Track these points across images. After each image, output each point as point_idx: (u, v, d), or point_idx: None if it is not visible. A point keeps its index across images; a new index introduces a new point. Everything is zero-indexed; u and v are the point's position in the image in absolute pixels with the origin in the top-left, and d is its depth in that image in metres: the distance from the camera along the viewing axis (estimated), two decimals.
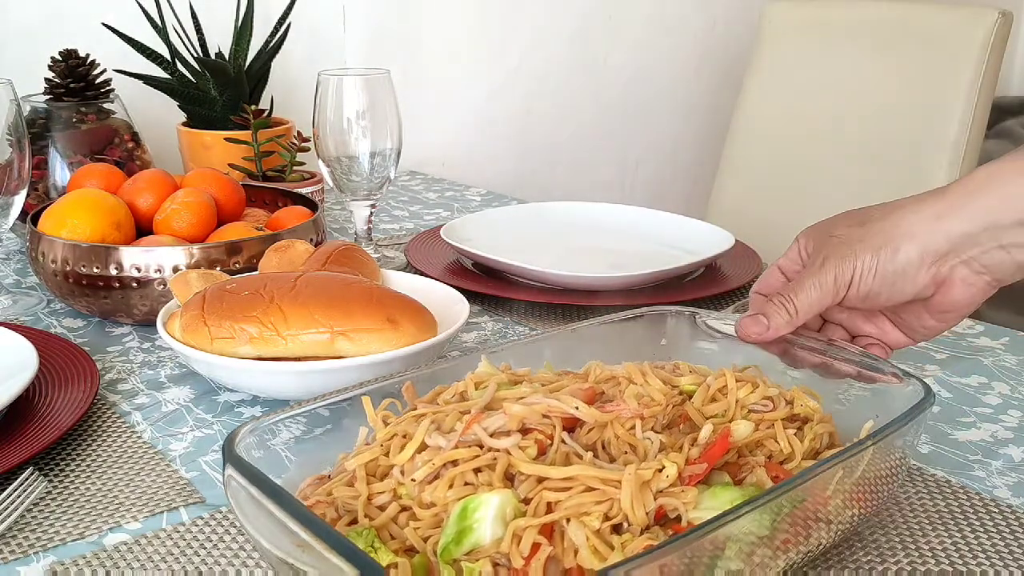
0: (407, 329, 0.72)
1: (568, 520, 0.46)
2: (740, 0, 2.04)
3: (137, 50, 1.24)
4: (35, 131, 1.10)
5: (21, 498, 0.60)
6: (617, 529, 0.46)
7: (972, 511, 0.60)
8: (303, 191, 1.10)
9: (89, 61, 1.15)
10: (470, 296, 0.86)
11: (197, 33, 1.28)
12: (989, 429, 0.72)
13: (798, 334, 0.63)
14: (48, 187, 1.11)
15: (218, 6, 1.32)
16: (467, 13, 1.73)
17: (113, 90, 1.17)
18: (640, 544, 0.45)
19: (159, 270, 0.85)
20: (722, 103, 1.99)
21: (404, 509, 0.50)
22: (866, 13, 1.60)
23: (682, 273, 1.00)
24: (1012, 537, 0.58)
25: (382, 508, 0.50)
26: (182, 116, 1.31)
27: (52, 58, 1.14)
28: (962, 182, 0.60)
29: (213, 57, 1.28)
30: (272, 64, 1.30)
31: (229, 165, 1.21)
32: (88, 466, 0.65)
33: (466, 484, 0.49)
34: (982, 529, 0.59)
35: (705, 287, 0.98)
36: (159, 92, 1.26)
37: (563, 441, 0.51)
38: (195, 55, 1.26)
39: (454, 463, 0.50)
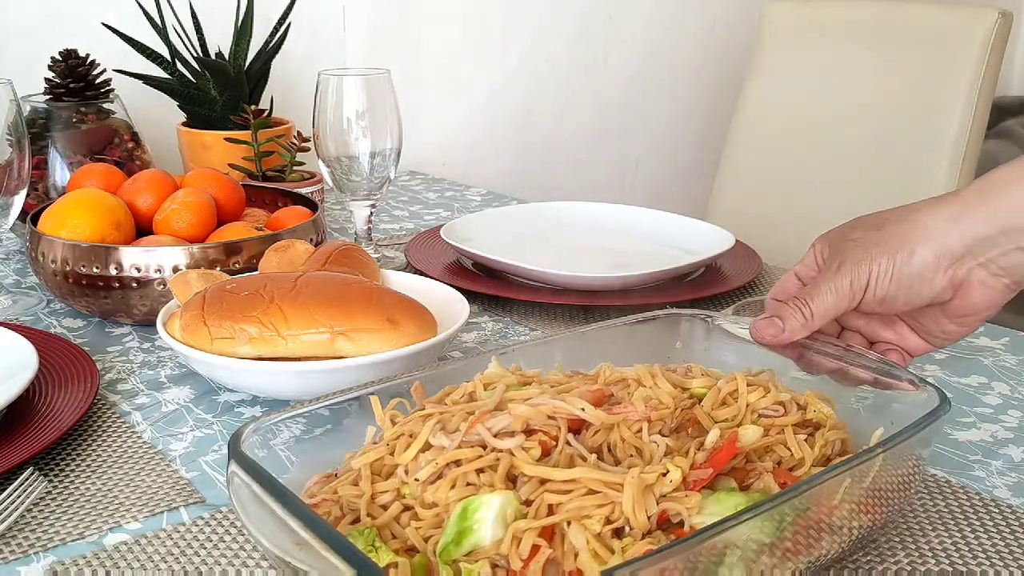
0: (407, 329, 0.72)
1: (569, 523, 0.46)
2: (740, 0, 2.04)
3: (137, 50, 1.24)
4: (35, 131, 1.10)
5: (21, 498, 0.60)
6: (619, 533, 0.46)
7: (972, 511, 0.60)
8: (303, 191, 1.10)
9: (89, 61, 1.15)
10: (470, 296, 0.86)
11: (197, 33, 1.28)
12: (989, 429, 0.72)
13: (814, 339, 0.63)
14: (48, 187, 1.11)
15: (218, 6, 1.32)
16: (467, 13, 1.73)
17: (113, 90, 1.16)
18: (641, 548, 0.45)
19: (159, 270, 0.85)
20: (722, 103, 1.99)
21: (407, 509, 0.50)
22: (866, 13, 1.60)
23: (682, 273, 1.00)
24: (1012, 537, 0.58)
25: (385, 507, 0.50)
26: (182, 116, 1.31)
27: (52, 58, 1.14)
28: (977, 184, 0.59)
29: (213, 57, 1.28)
30: (272, 64, 1.30)
31: (229, 165, 1.21)
32: (88, 466, 0.65)
33: (468, 484, 0.49)
34: (982, 529, 0.59)
35: (705, 287, 0.98)
36: (159, 92, 1.26)
37: (568, 443, 0.51)
38: (195, 55, 1.26)
39: (457, 463, 0.50)
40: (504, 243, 1.07)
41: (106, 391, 0.77)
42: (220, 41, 1.29)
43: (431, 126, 1.73)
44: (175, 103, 1.28)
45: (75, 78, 1.13)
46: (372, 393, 0.56)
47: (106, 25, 1.22)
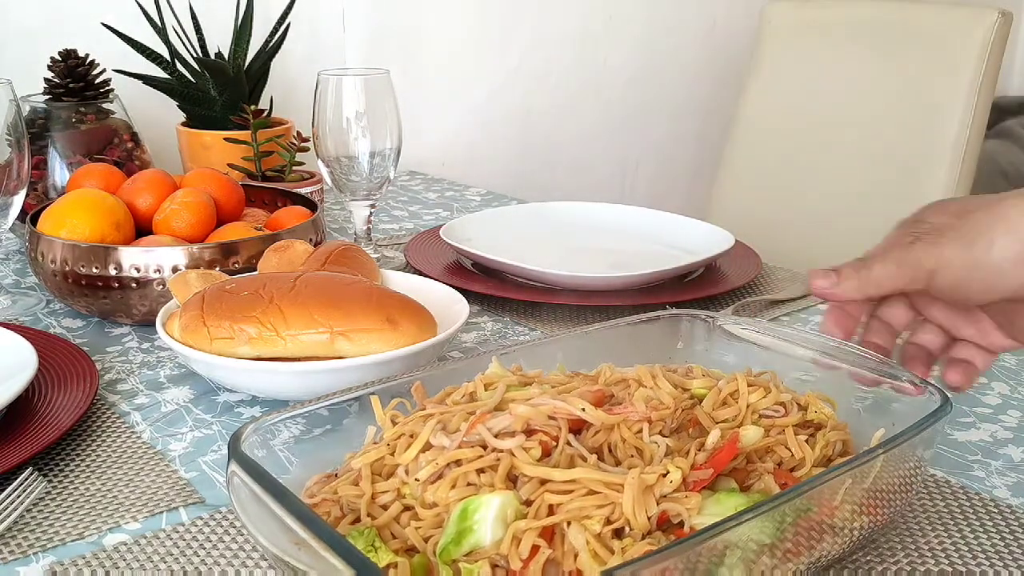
0: (407, 329, 0.72)
1: (569, 523, 0.46)
2: (740, 0, 2.04)
3: (136, 50, 1.24)
4: (34, 131, 1.10)
5: (20, 498, 0.60)
6: (619, 533, 0.46)
7: (972, 511, 0.60)
8: (302, 191, 1.10)
9: (88, 61, 1.15)
10: (470, 296, 0.86)
11: (197, 33, 1.27)
12: (989, 429, 0.72)
13: (875, 328, 0.61)
14: (47, 187, 1.11)
15: (218, 6, 1.32)
16: (467, 13, 1.73)
17: (112, 90, 1.16)
18: (640, 549, 0.45)
19: (158, 270, 0.85)
20: (722, 103, 1.99)
21: (407, 509, 0.50)
22: (866, 13, 1.60)
23: (682, 273, 1.00)
24: (1012, 537, 0.58)
25: (385, 507, 0.50)
26: (181, 116, 1.31)
27: (51, 58, 1.14)
28: None
29: (213, 57, 1.28)
30: (272, 64, 1.30)
31: (228, 165, 1.21)
32: (88, 466, 0.65)
33: (468, 484, 0.49)
34: (982, 529, 0.59)
35: (705, 287, 0.98)
36: (158, 92, 1.26)
37: (568, 443, 0.51)
38: (194, 55, 1.26)
39: (457, 463, 0.50)
40: (504, 243, 1.07)
41: (105, 391, 0.77)
42: (220, 41, 1.29)
43: (431, 126, 1.73)
44: (175, 103, 1.28)
45: (75, 78, 1.13)
46: (372, 393, 0.56)
47: (106, 25, 1.22)
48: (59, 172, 1.11)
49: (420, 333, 0.73)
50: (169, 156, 1.31)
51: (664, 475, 0.48)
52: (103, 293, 0.86)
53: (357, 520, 0.50)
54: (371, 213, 1.09)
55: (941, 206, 0.61)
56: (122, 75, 1.21)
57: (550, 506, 0.47)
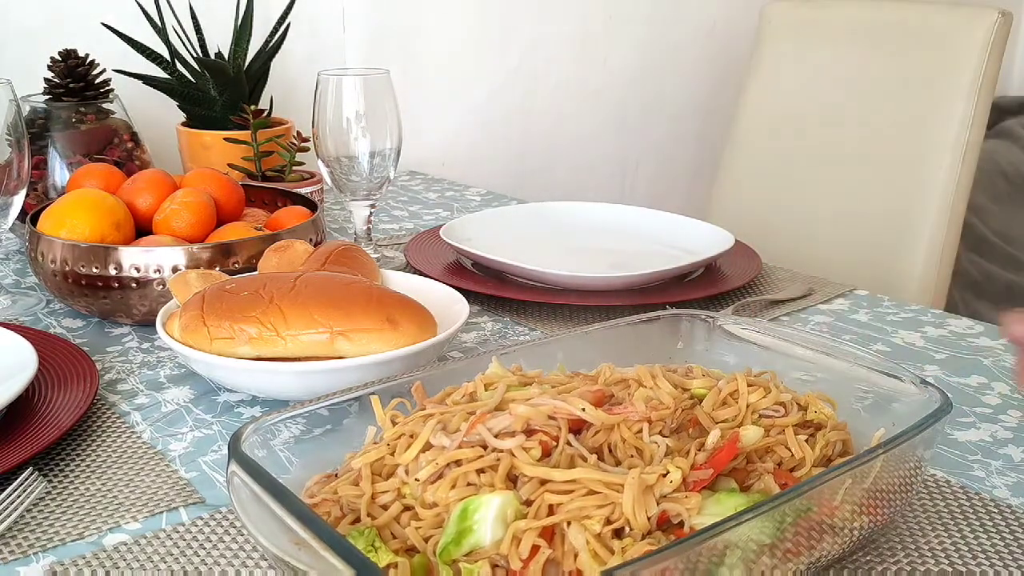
0: (407, 329, 0.72)
1: (569, 523, 0.46)
2: (740, 0, 2.04)
3: (137, 50, 1.24)
4: (34, 131, 1.10)
5: (21, 498, 0.60)
6: (619, 533, 0.46)
7: (972, 511, 0.60)
8: (302, 191, 1.10)
9: (88, 61, 1.15)
10: (470, 296, 0.86)
11: (197, 33, 1.27)
12: (989, 429, 0.72)
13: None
14: (47, 187, 1.11)
15: (218, 6, 1.32)
16: (467, 13, 1.73)
17: (112, 90, 1.16)
18: (640, 549, 0.45)
19: (158, 270, 0.85)
20: (722, 103, 1.99)
21: (407, 509, 0.50)
22: (866, 13, 1.60)
23: (682, 273, 1.00)
24: (1012, 537, 0.58)
25: (385, 507, 0.50)
26: (181, 116, 1.31)
27: (51, 58, 1.14)
28: None
29: (213, 57, 1.28)
30: (272, 64, 1.30)
31: (228, 165, 1.21)
32: (88, 466, 0.65)
33: (469, 484, 0.49)
34: (982, 529, 0.59)
35: (705, 287, 0.98)
36: (158, 92, 1.26)
37: (568, 443, 0.51)
38: (195, 55, 1.26)
39: (457, 463, 0.50)
40: (503, 243, 1.07)
41: (105, 391, 0.77)
42: (220, 41, 1.29)
43: (431, 126, 1.73)
44: (175, 103, 1.28)
45: (75, 78, 1.13)
46: (372, 393, 0.56)
47: (106, 25, 1.22)
48: (59, 172, 1.11)
49: (420, 333, 0.73)
50: (169, 156, 1.30)
51: (664, 475, 0.48)
52: (103, 293, 0.86)
53: (357, 520, 0.50)
54: (371, 213, 1.09)
55: None
56: (122, 75, 1.21)
57: (550, 506, 0.47)
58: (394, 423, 0.55)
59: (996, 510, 0.60)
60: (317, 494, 0.53)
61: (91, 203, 0.91)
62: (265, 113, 1.26)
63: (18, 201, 0.94)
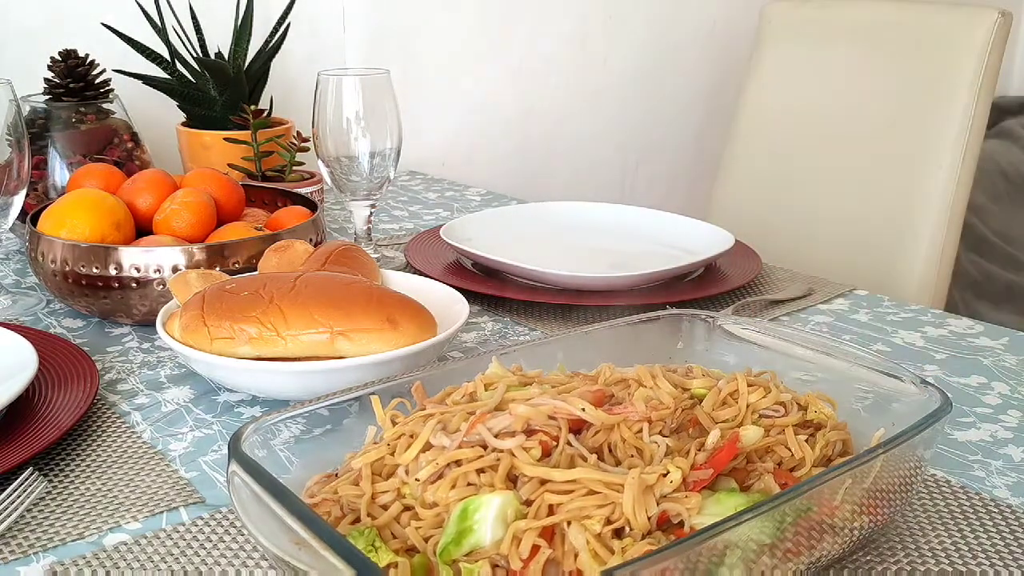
0: (407, 329, 0.72)
1: (569, 523, 0.46)
2: (740, 0, 2.04)
3: (137, 50, 1.24)
4: (34, 131, 1.10)
5: (21, 498, 0.60)
6: (619, 533, 0.46)
7: (972, 511, 0.60)
8: (303, 191, 1.10)
9: (89, 61, 1.15)
10: (470, 296, 0.86)
11: (197, 33, 1.27)
12: (989, 429, 0.72)
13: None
14: (47, 187, 1.11)
15: (218, 6, 1.32)
16: (467, 13, 1.73)
17: (112, 90, 1.16)
18: (640, 549, 0.45)
19: (158, 270, 0.85)
20: (722, 103, 1.99)
21: (407, 509, 0.50)
22: (866, 13, 1.60)
23: (682, 273, 1.00)
24: (1012, 537, 0.58)
25: (385, 507, 0.50)
26: (181, 116, 1.31)
27: (52, 58, 1.14)
28: None
29: (213, 57, 1.28)
30: (272, 64, 1.30)
31: (229, 165, 1.21)
32: (88, 466, 0.65)
33: (469, 484, 0.49)
34: (982, 529, 0.59)
35: (705, 287, 0.98)
36: (158, 92, 1.26)
37: (568, 443, 0.51)
38: (195, 55, 1.26)
39: (457, 463, 0.50)
40: (504, 243, 1.07)
41: (106, 391, 0.77)
42: (220, 41, 1.29)
43: (431, 126, 1.73)
44: (175, 103, 1.28)
45: (75, 78, 1.13)
46: (373, 393, 0.56)
47: (106, 25, 1.22)
48: (59, 172, 1.11)
49: (420, 333, 0.73)
50: (169, 156, 1.31)
51: (664, 475, 0.48)
52: (103, 293, 0.86)
53: (357, 520, 0.50)
54: (371, 213, 1.09)
55: None
56: (122, 75, 1.21)
57: (550, 506, 0.47)
58: (394, 423, 0.55)
59: (996, 510, 0.61)
60: (317, 494, 0.53)
61: (91, 203, 0.91)
62: (265, 113, 1.26)
63: (18, 201, 0.94)
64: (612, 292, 0.96)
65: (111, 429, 0.70)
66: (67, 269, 0.86)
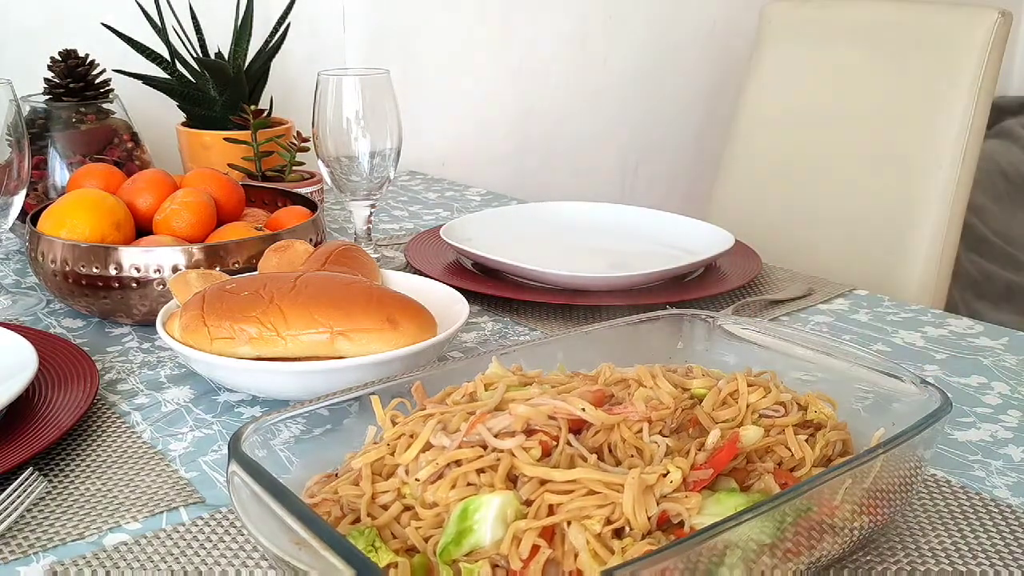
0: (407, 329, 0.72)
1: (569, 523, 0.46)
2: (740, 0, 2.04)
3: (137, 50, 1.24)
4: (35, 131, 1.10)
5: (21, 498, 0.60)
6: (619, 533, 0.46)
7: (972, 511, 0.60)
8: (303, 191, 1.10)
9: (89, 61, 1.15)
10: (470, 296, 0.86)
11: (197, 33, 1.27)
12: (989, 429, 0.72)
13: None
14: (47, 187, 1.11)
15: (218, 6, 1.32)
16: (467, 13, 1.73)
17: (112, 90, 1.16)
18: (640, 549, 0.45)
19: (158, 270, 0.85)
20: (722, 103, 1.99)
21: (407, 509, 0.50)
22: (866, 13, 1.60)
23: (682, 273, 1.00)
24: (1012, 537, 0.58)
25: (386, 507, 0.50)
26: (181, 116, 1.31)
27: (52, 58, 1.14)
28: None
29: (212, 57, 1.28)
30: (272, 64, 1.30)
31: (228, 165, 1.21)
32: (88, 466, 0.65)
33: (469, 484, 0.49)
34: (982, 529, 0.59)
35: (705, 287, 0.98)
36: (158, 92, 1.26)
37: (568, 443, 0.51)
38: (194, 55, 1.26)
39: (457, 463, 0.50)
40: (504, 243, 1.07)
41: (106, 391, 0.77)
42: (220, 41, 1.29)
43: (431, 126, 1.73)
44: (175, 103, 1.28)
45: (75, 78, 1.13)
46: (373, 393, 0.56)
47: (106, 25, 1.22)
48: (59, 172, 1.11)
49: (420, 333, 0.73)
50: (169, 156, 1.31)
51: (664, 475, 0.48)
52: (103, 293, 0.86)
53: (357, 520, 0.50)
54: (371, 213, 1.09)
55: None
56: (122, 75, 1.21)
57: (550, 506, 0.47)
58: (394, 423, 0.55)
59: (996, 510, 0.61)
60: (317, 494, 0.53)
61: (91, 203, 0.91)
62: (265, 113, 1.26)
63: (18, 201, 0.94)
64: (612, 292, 0.96)
65: (111, 429, 0.70)
66: (67, 269, 0.86)
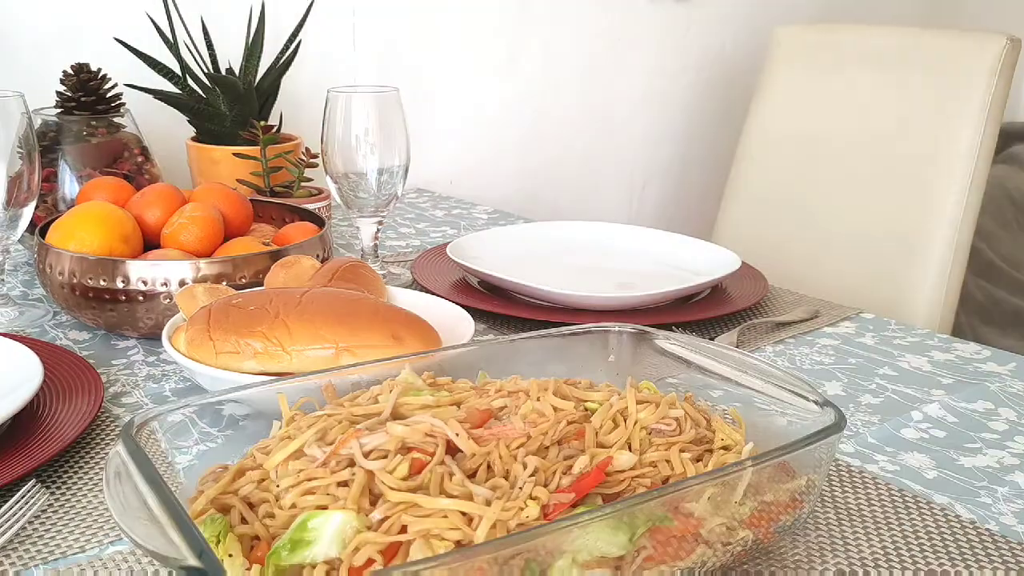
0: (411, 346, 0.72)
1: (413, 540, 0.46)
2: (749, 23, 2.05)
3: (148, 65, 1.24)
4: (45, 144, 1.11)
5: (23, 510, 0.60)
6: None
7: (980, 545, 0.60)
8: (310, 207, 1.11)
9: (100, 75, 1.15)
10: (475, 314, 0.86)
11: (208, 49, 1.28)
12: (995, 455, 0.71)
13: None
14: (57, 199, 1.12)
15: (229, 22, 1.33)
16: (476, 33, 1.74)
17: (124, 104, 1.17)
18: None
19: (165, 284, 0.85)
20: (730, 125, 1.99)
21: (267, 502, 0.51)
22: (875, 38, 1.60)
23: (688, 294, 1.00)
24: (1012, 558, 0.57)
25: (248, 499, 0.51)
26: (191, 131, 1.31)
27: (64, 72, 1.14)
28: None
29: (224, 73, 1.29)
30: (282, 80, 1.30)
31: (237, 180, 1.22)
32: (91, 479, 0.65)
33: (327, 495, 0.49)
34: (987, 559, 0.58)
35: (711, 308, 0.98)
36: (169, 107, 1.27)
37: (442, 461, 0.51)
38: (206, 71, 1.27)
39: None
40: (510, 262, 1.07)
41: (110, 404, 0.77)
42: (231, 57, 1.30)
43: (439, 144, 1.74)
44: (185, 118, 1.29)
45: (86, 92, 1.14)
46: (281, 392, 0.58)
47: (118, 40, 1.23)
48: (69, 185, 1.12)
49: (425, 350, 0.73)
50: (178, 170, 1.31)
51: (523, 509, 0.48)
52: (110, 306, 0.86)
53: (223, 510, 0.51)
54: (378, 230, 1.09)
55: None
56: (133, 89, 1.22)
57: (404, 526, 0.47)
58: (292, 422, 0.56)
59: (1004, 543, 0.60)
60: (200, 485, 0.54)
61: (100, 216, 0.91)
62: (274, 129, 1.27)
63: (28, 213, 0.94)
64: (618, 312, 0.95)
65: (115, 442, 0.70)
66: (75, 281, 0.86)
